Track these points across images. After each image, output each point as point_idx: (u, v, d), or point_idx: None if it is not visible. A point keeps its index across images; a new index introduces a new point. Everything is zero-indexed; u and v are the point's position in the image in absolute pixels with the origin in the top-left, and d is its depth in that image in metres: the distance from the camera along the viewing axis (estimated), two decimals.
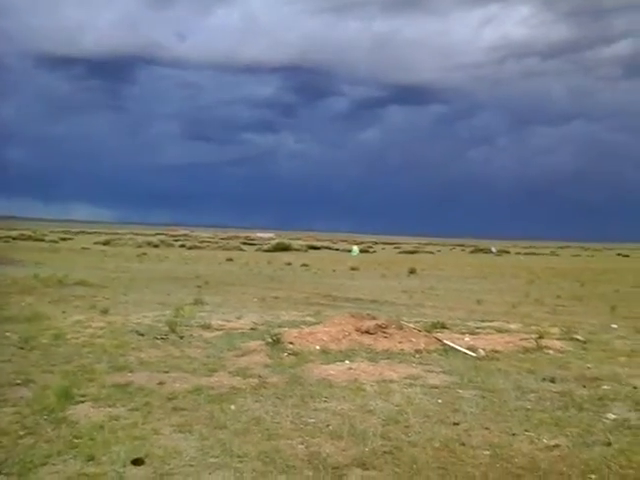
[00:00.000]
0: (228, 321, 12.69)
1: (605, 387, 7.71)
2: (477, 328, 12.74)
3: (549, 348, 10.27)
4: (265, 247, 63.35)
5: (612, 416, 6.43)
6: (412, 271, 32.31)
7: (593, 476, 4.84)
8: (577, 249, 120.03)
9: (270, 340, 9.88)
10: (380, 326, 10.54)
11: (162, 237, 76.03)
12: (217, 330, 11.53)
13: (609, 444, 5.53)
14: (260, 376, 7.90)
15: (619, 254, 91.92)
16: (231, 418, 6.12)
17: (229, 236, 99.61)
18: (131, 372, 8.04)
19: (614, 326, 13.66)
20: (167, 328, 11.07)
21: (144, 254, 43.40)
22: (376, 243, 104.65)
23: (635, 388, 7.64)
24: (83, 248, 50.04)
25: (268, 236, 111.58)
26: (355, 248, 64.63)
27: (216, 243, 71.04)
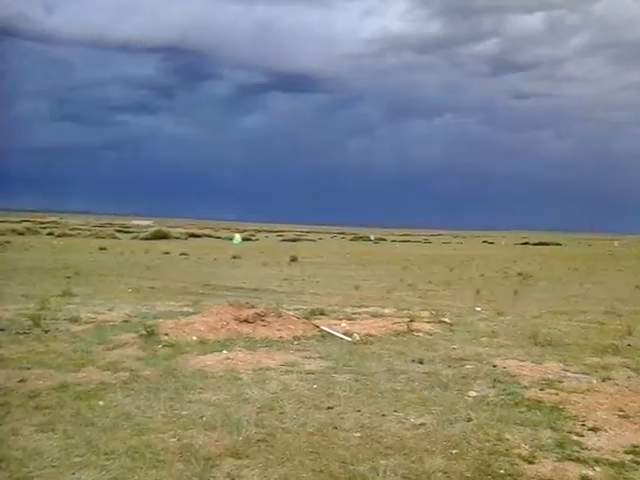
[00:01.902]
0: (99, 313, 12.10)
1: (468, 366, 8.22)
2: (354, 314, 13.11)
3: (419, 331, 10.80)
4: (142, 235, 61.33)
5: (473, 394, 6.87)
6: (293, 259, 32.62)
7: (454, 451, 5.14)
8: (448, 237, 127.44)
9: (144, 332, 9.52)
10: (259, 314, 10.53)
11: (28, 224, 71.10)
12: (87, 323, 10.94)
13: (469, 420, 5.91)
14: (132, 370, 7.60)
15: (485, 241, 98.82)
16: (99, 414, 5.84)
17: (102, 223, 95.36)
18: None
19: (478, 309, 14.63)
20: (31, 322, 10.34)
21: (7, 242, 40.29)
22: (259, 231, 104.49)
23: (494, 367, 8.22)
24: None
25: (146, 224, 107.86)
26: (237, 236, 64.11)
27: (88, 231, 67.70)
